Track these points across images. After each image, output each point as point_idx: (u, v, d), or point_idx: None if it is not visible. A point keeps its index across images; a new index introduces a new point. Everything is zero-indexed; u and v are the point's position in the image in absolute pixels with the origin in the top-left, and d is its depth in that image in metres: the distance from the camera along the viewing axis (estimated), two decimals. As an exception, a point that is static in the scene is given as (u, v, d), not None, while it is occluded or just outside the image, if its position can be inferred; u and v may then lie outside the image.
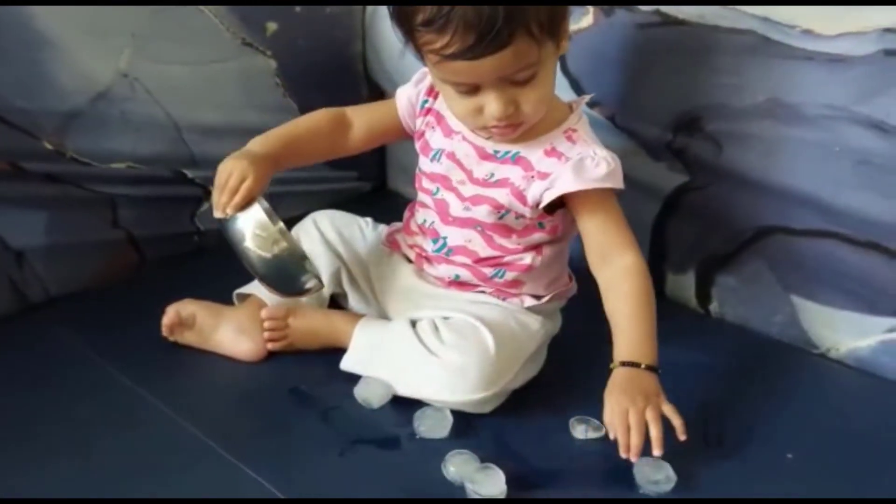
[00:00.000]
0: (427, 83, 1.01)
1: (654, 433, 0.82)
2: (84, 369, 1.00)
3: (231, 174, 0.92)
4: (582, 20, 1.12)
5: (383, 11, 1.34)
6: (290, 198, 1.34)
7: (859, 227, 0.98)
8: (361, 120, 1.06)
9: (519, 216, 0.95)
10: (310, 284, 0.95)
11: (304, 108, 1.33)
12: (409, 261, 1.06)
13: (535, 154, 0.93)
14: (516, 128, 0.91)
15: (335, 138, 1.05)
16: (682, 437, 0.83)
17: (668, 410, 0.84)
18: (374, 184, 1.52)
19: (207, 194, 1.28)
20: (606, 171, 0.90)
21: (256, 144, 0.99)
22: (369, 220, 1.15)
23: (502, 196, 0.94)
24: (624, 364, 0.88)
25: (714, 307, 1.15)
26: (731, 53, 1.03)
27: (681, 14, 1.06)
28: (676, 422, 0.84)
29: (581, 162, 0.90)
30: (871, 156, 0.94)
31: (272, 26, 1.29)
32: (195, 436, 0.89)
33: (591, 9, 1.12)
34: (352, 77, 1.43)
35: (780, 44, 0.99)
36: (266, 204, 0.94)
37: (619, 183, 0.92)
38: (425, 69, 1.01)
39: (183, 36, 1.19)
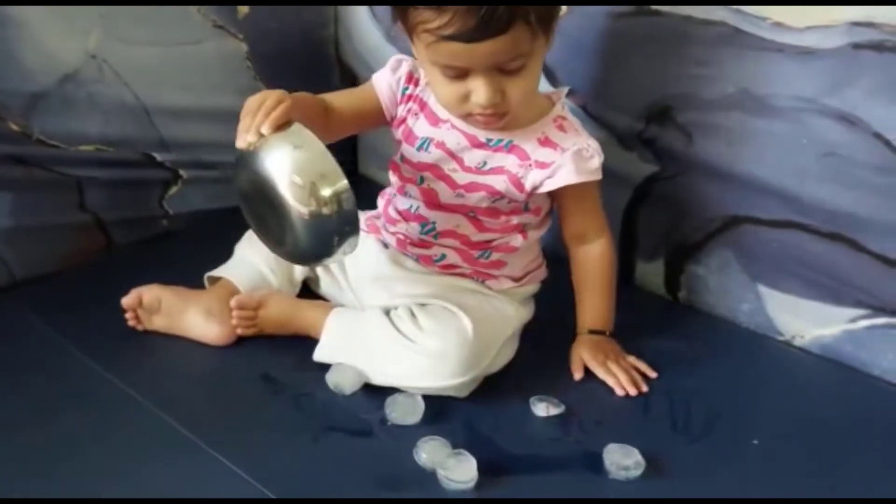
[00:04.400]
0: (405, 70, 1.00)
1: (632, 375, 0.97)
2: (50, 353, 0.99)
3: (266, 98, 0.81)
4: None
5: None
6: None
7: (824, 218, 0.99)
8: (340, 106, 0.98)
9: (511, 201, 0.96)
10: (345, 252, 0.81)
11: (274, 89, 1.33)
12: (386, 246, 1.05)
13: (528, 143, 0.95)
14: (501, 117, 0.91)
15: (324, 119, 0.96)
16: (651, 374, 0.98)
17: (633, 360, 1.00)
18: (346, 168, 1.50)
19: (176, 177, 1.26)
20: (599, 164, 0.95)
21: None
22: None
23: (499, 183, 0.95)
24: (591, 332, 1.01)
25: (683, 295, 1.16)
26: (702, 44, 1.04)
27: (654, 4, 1.06)
28: (642, 367, 0.99)
29: (579, 154, 0.94)
30: (837, 147, 0.96)
31: (244, 9, 1.27)
32: (164, 421, 0.89)
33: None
34: (324, 60, 1.42)
35: (752, 35, 1.00)
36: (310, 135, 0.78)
37: (601, 173, 0.97)
38: (399, 56, 1.01)
39: (152, 17, 1.17)
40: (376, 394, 0.93)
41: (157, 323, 1.02)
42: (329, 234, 0.80)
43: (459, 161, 0.97)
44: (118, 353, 0.99)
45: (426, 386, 0.92)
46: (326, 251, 0.83)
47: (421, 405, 0.90)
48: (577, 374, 0.98)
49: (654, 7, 1.06)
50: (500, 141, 0.95)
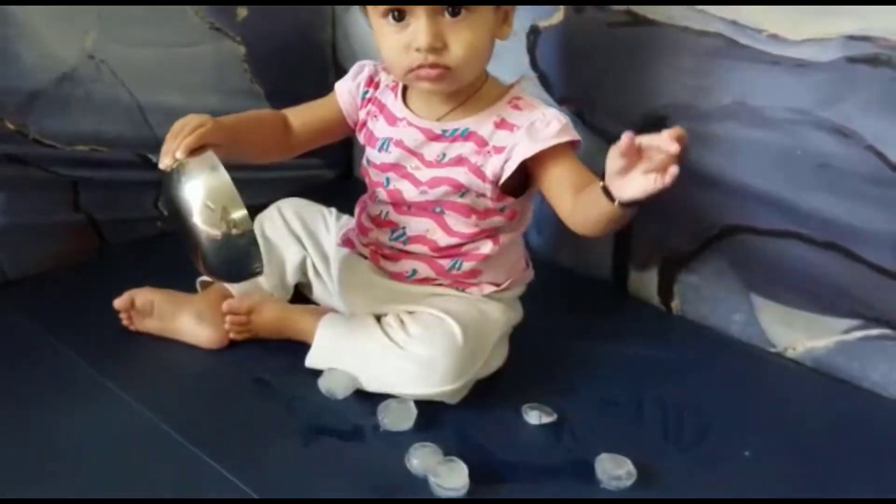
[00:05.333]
0: (366, 73, 1.02)
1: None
2: (42, 354, 0.99)
3: (187, 122, 0.86)
4: (553, 16, 1.13)
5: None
6: (254, 185, 1.30)
7: (819, 228, 1.00)
8: (300, 120, 1.02)
9: (480, 195, 0.95)
10: (257, 271, 0.86)
11: (271, 93, 1.33)
12: (365, 258, 1.05)
13: (485, 128, 0.93)
14: (445, 73, 0.89)
15: (278, 136, 1.01)
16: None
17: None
18: (340, 171, 1.51)
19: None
20: (559, 128, 0.91)
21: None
22: (333, 210, 1.14)
23: (461, 175, 0.94)
24: None
25: (676, 305, 1.17)
26: (698, 55, 1.04)
27: (650, 14, 1.07)
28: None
29: (532, 126, 0.91)
30: (831, 159, 0.96)
31: (243, 12, 1.28)
32: (155, 424, 0.88)
33: (561, 6, 1.12)
34: (320, 63, 1.43)
35: (747, 47, 1.00)
36: (218, 163, 0.83)
37: (574, 135, 0.92)
38: (361, 62, 1.03)
39: (150, 18, 1.17)
40: (369, 399, 0.93)
41: (150, 325, 1.02)
42: (240, 255, 0.84)
43: (420, 157, 0.96)
44: (110, 353, 0.99)
45: (416, 392, 0.92)
46: (238, 270, 0.87)
47: (414, 411, 0.90)
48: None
49: (649, 17, 1.07)
50: (456, 130, 0.95)
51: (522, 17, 1.07)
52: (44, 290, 1.11)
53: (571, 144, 0.92)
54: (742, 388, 1.01)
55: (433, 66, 0.88)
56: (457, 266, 0.99)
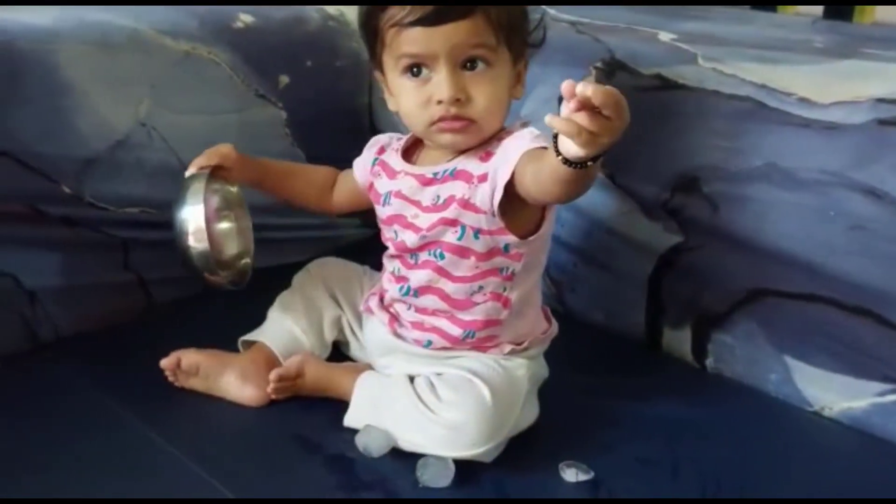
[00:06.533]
0: (378, 145, 1.07)
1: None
2: (91, 408, 1.01)
3: (215, 148, 1.03)
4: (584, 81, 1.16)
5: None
6: (293, 244, 1.37)
7: (850, 292, 0.99)
8: (339, 185, 1.14)
9: (477, 230, 0.94)
10: (211, 278, 1.00)
11: (311, 157, 1.38)
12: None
13: (471, 164, 0.94)
14: (469, 125, 0.92)
15: (319, 192, 1.14)
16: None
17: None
18: (377, 231, 1.54)
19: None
20: (531, 137, 0.88)
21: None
22: (367, 268, 1.17)
23: (451, 212, 0.94)
24: None
25: (710, 362, 1.16)
26: (729, 118, 1.06)
27: (681, 79, 1.10)
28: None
29: (504, 148, 0.91)
30: (864, 221, 0.96)
31: (284, 79, 1.33)
32: (200, 477, 0.90)
33: (592, 71, 1.16)
34: (358, 127, 1.47)
35: (777, 110, 1.02)
36: (229, 188, 1.05)
37: (545, 142, 0.84)
38: (376, 137, 1.09)
39: (199, 87, 1.23)
40: (408, 455, 0.93)
41: (195, 384, 1.04)
42: (195, 263, 0.99)
43: (417, 204, 0.98)
44: (157, 409, 1.01)
45: (449, 455, 0.92)
46: (195, 275, 1.01)
47: (452, 468, 0.91)
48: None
49: (680, 81, 1.09)
50: (446, 171, 0.96)
51: (552, 84, 1.10)
52: (94, 346, 1.14)
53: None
54: (780, 447, 1.00)
55: (456, 118, 0.91)
56: (470, 335, 0.99)
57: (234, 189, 1.07)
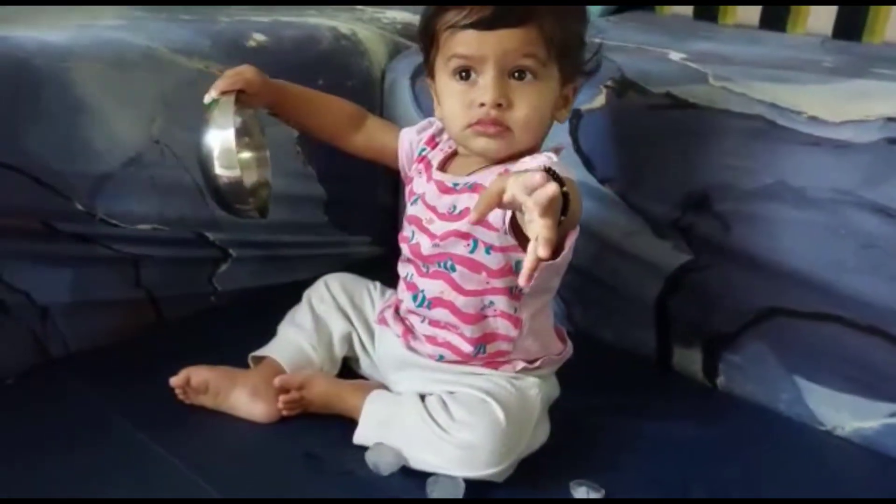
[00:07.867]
0: (429, 133, 1.06)
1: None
2: (101, 424, 1.01)
3: (239, 70, 0.99)
4: (594, 100, 1.16)
5: (401, 83, 1.41)
6: (303, 261, 1.37)
7: (861, 311, 0.99)
8: (371, 130, 1.11)
9: (489, 246, 0.95)
10: (242, 211, 0.97)
11: (324, 175, 1.38)
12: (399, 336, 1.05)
13: (489, 179, 0.94)
14: (501, 132, 0.92)
15: (341, 126, 1.11)
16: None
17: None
18: (387, 248, 1.55)
19: (226, 256, 1.31)
20: (546, 162, 0.84)
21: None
22: (378, 284, 1.17)
23: (464, 224, 0.95)
24: None
25: (721, 381, 1.16)
26: (739, 136, 1.06)
27: (691, 98, 1.10)
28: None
29: (518, 168, 0.88)
30: (876, 240, 0.96)
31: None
32: (209, 494, 0.90)
33: (603, 90, 1.16)
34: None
35: (788, 129, 1.02)
36: (250, 113, 0.99)
37: (564, 171, 0.81)
38: (431, 118, 1.07)
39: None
40: (419, 473, 0.93)
41: (205, 401, 1.04)
42: (222, 195, 0.95)
43: (433, 210, 0.99)
44: (166, 425, 1.01)
45: (461, 475, 0.92)
46: (225, 207, 0.98)
47: (462, 486, 0.91)
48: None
49: (690, 100, 1.10)
50: (465, 183, 0.97)
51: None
52: (104, 362, 1.14)
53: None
54: (792, 466, 1.00)
55: (494, 122, 0.92)
56: (482, 350, 0.99)
57: (253, 114, 1.03)
